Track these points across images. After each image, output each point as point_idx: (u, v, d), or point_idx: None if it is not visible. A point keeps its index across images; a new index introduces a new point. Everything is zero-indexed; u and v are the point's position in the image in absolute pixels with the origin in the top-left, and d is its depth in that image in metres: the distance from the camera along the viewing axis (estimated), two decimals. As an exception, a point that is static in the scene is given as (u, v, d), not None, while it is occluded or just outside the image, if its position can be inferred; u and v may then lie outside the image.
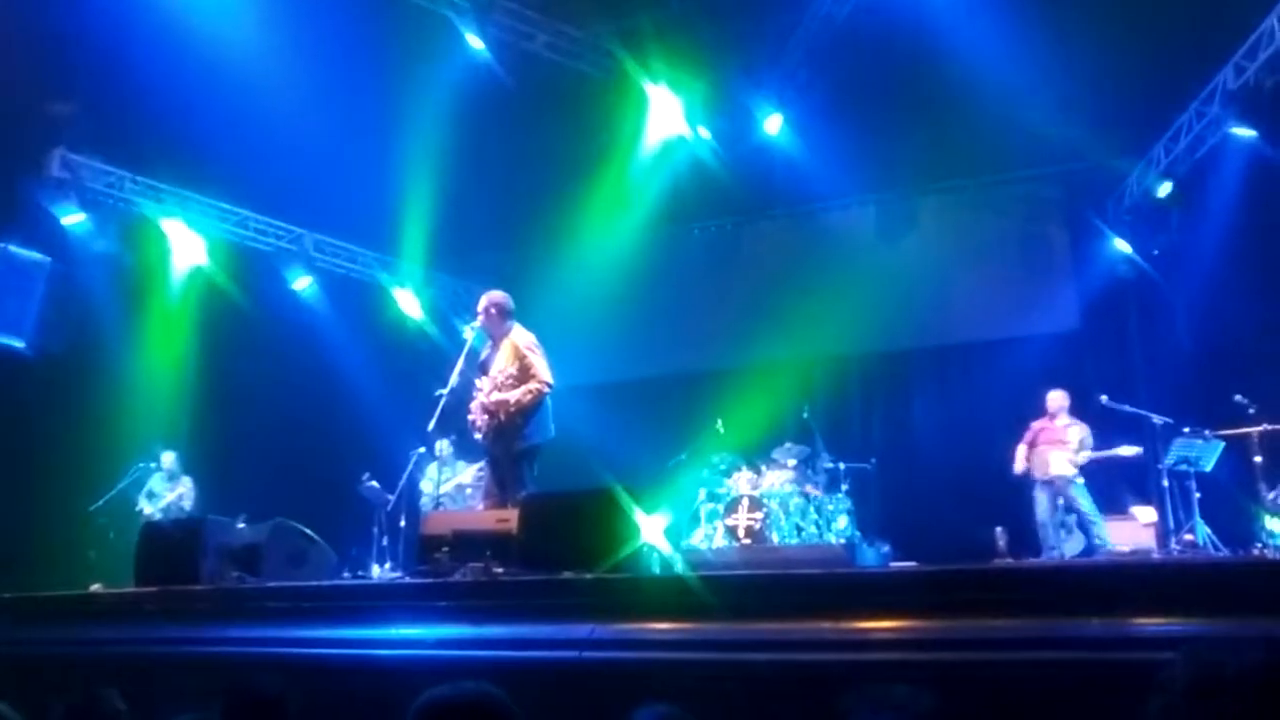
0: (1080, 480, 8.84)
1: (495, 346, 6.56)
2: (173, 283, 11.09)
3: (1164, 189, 9.84)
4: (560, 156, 11.07)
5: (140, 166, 10.52)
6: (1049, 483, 8.92)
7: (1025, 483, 9.08)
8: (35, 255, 9.91)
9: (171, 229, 10.76)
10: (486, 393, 6.37)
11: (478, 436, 6.52)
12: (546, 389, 6.34)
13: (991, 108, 9.38)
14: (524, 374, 6.32)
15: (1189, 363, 9.59)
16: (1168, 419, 8.72)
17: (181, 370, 11.17)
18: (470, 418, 6.47)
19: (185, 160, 10.38)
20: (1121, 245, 10.59)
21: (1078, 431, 8.98)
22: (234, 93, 9.10)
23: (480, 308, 6.60)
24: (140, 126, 9.91)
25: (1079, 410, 9.28)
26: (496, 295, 6.61)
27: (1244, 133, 8.64)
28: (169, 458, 10.28)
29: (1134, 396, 9.28)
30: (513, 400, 6.26)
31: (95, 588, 7.68)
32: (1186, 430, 8.44)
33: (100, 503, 9.62)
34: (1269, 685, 1.47)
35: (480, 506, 7.01)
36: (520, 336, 6.48)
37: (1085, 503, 8.79)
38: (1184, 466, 8.36)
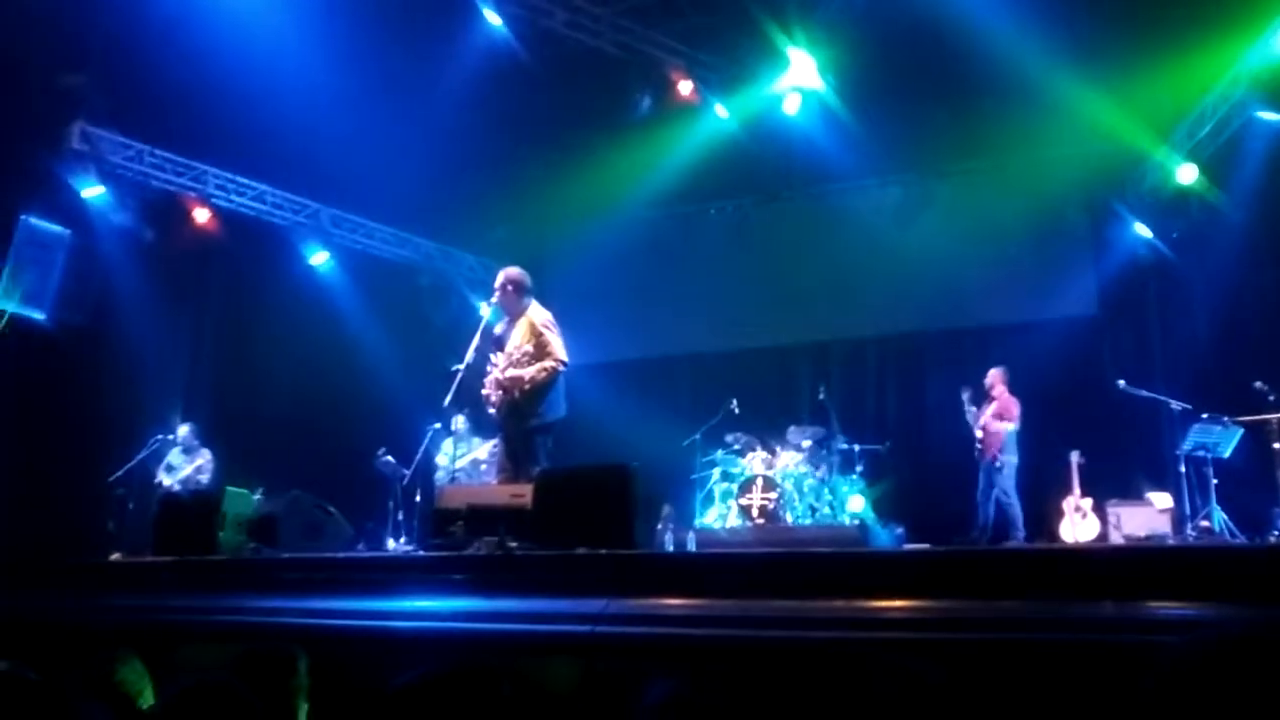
0: (997, 464, 9.06)
1: (511, 323, 6.57)
2: (191, 256, 11.13)
3: (1186, 173, 9.72)
4: (578, 134, 11.04)
5: (159, 140, 10.56)
6: None
7: None
8: (55, 228, 9.96)
9: (189, 202, 10.80)
10: (501, 369, 6.39)
11: (491, 411, 6.54)
12: (561, 367, 6.35)
13: (1012, 89, 9.29)
14: (540, 351, 6.33)
15: (1208, 348, 9.53)
16: (1186, 405, 8.67)
17: (200, 344, 11.24)
18: (484, 392, 6.48)
19: (204, 134, 10.40)
20: (1141, 229, 10.49)
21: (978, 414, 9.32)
22: (252, 67, 9.09)
23: (498, 284, 6.60)
24: (159, 100, 9.92)
25: (1093, 394, 9.30)
26: (514, 272, 6.61)
27: (1269, 117, 8.55)
28: (185, 430, 10.36)
29: (1151, 382, 9.24)
30: (527, 377, 6.27)
31: (114, 558, 7.76)
32: (1205, 416, 8.40)
33: (119, 474, 9.71)
34: (1259, 668, 1.48)
35: (495, 482, 7.05)
36: (537, 314, 6.48)
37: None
38: (1201, 452, 8.32)
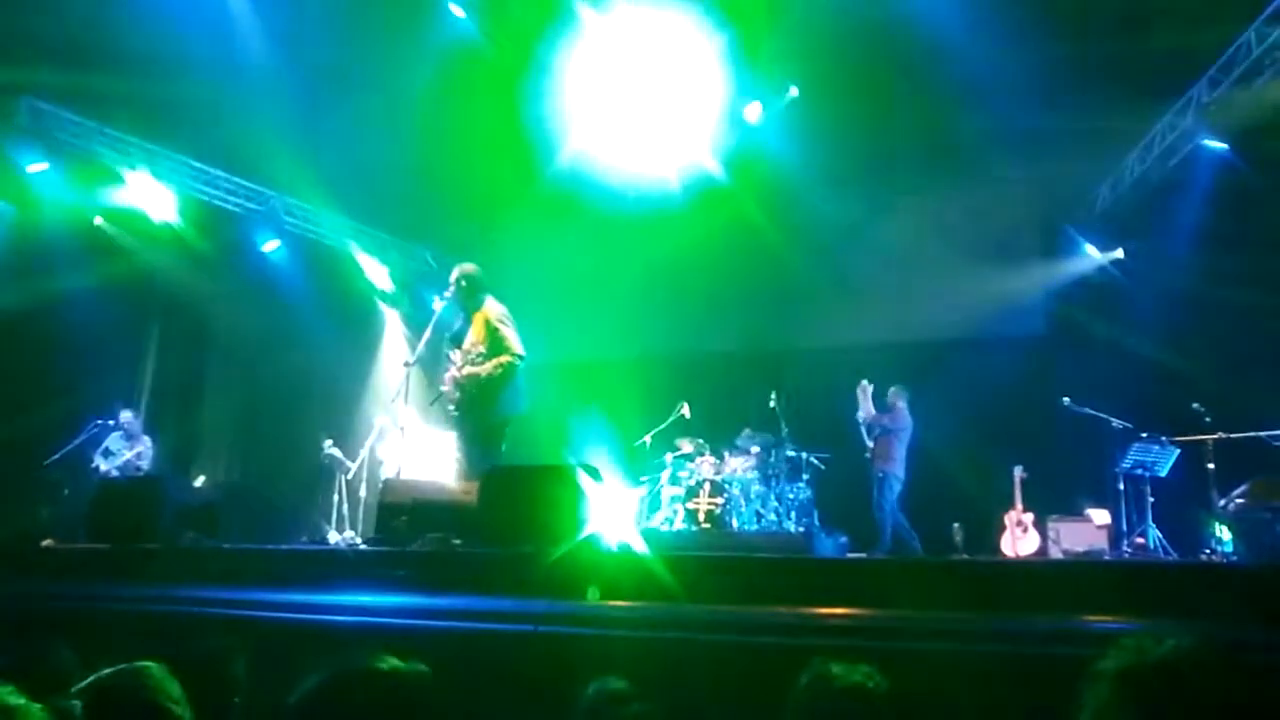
0: (880, 474, 9.37)
1: (467, 319, 6.53)
2: (138, 238, 10.90)
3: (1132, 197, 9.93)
4: (538, 129, 10.99)
5: (110, 119, 10.31)
6: None
7: None
8: (-2, 202, 9.73)
9: (139, 183, 10.57)
10: (458, 366, 6.35)
11: (449, 408, 6.50)
12: (518, 361, 6.32)
13: (969, 110, 9.42)
14: (495, 347, 6.30)
15: (1150, 369, 9.72)
16: (1126, 423, 8.84)
17: (145, 327, 11.00)
18: (442, 389, 6.46)
19: (157, 116, 10.18)
20: (1091, 251, 10.70)
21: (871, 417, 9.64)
22: (210, 51, 8.96)
23: (452, 279, 6.56)
24: (112, 78, 9.70)
25: (1038, 411, 9.45)
26: (469, 267, 6.58)
27: (1215, 145, 8.76)
28: (128, 416, 10.14)
29: (1094, 401, 9.40)
30: (484, 374, 6.24)
31: (46, 544, 7.56)
32: (1144, 435, 8.57)
33: (55, 458, 9.47)
34: (1195, 675, 1.51)
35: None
36: (491, 308, 6.45)
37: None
38: (1140, 471, 8.50)
